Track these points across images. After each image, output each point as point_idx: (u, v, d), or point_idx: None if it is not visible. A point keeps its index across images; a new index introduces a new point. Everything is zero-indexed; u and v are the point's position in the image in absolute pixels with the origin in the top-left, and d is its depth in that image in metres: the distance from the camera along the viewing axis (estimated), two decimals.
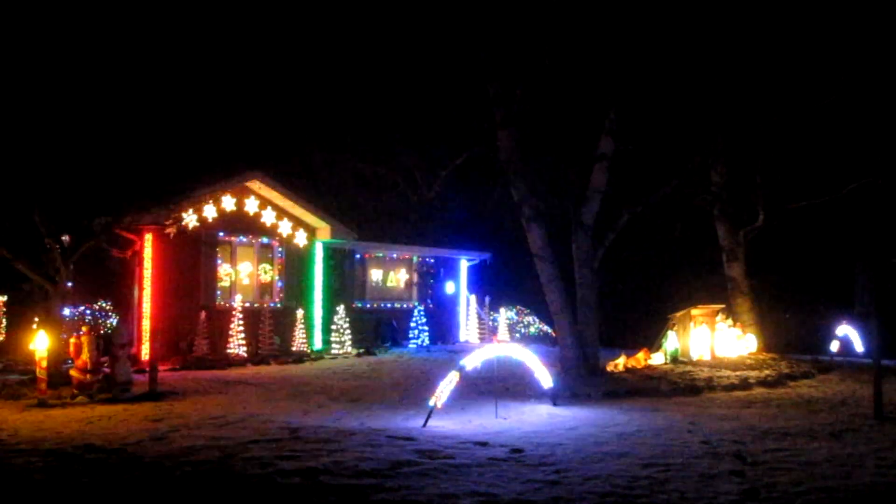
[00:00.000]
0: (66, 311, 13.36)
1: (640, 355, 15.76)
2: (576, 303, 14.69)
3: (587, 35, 14.41)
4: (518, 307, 24.30)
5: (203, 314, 16.24)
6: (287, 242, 18.65)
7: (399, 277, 22.26)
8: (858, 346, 18.78)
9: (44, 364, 10.84)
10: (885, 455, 7.68)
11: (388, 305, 21.61)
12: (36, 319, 15.68)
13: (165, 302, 16.12)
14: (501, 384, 11.66)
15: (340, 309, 18.37)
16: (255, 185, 17.75)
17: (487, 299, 23.26)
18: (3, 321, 18.18)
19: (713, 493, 6.12)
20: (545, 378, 11.01)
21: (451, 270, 23.19)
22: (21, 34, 12.41)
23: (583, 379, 13.46)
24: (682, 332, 16.55)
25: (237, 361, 15.99)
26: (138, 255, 16.07)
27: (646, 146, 15.94)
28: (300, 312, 17.99)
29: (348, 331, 18.28)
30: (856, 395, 12.80)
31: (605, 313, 15.02)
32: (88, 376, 11.28)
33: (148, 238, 15.93)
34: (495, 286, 24.36)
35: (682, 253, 24.82)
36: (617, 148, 14.78)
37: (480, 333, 22.86)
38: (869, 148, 18.39)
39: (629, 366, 15.18)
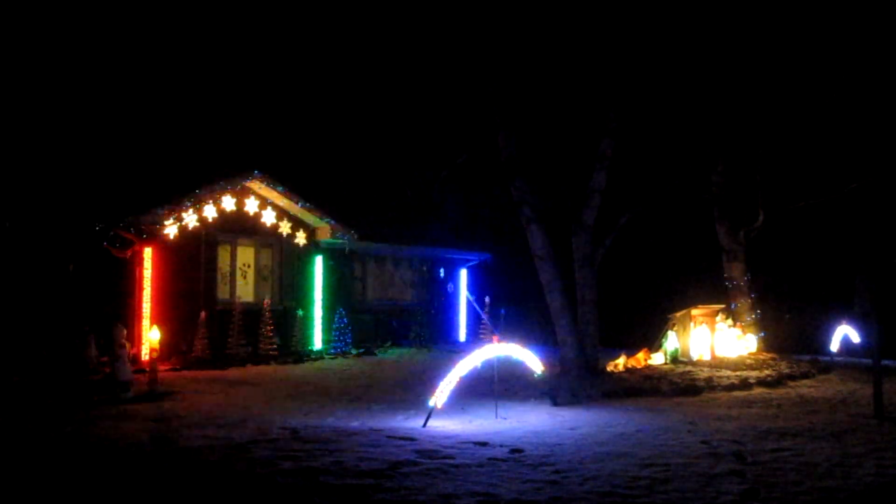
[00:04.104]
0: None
1: (640, 355, 15.75)
2: (576, 303, 14.69)
3: (588, 35, 14.41)
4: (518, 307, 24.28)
5: (203, 314, 16.23)
6: (287, 242, 18.64)
7: (399, 277, 22.25)
8: (856, 339, 18.73)
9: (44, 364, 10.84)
10: (885, 455, 7.67)
11: (388, 305, 21.60)
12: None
13: (165, 302, 16.11)
14: (501, 384, 11.66)
15: (340, 309, 18.37)
16: (255, 185, 17.74)
17: (487, 299, 23.25)
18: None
19: (713, 493, 6.11)
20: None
21: (451, 270, 23.19)
22: (25, 37, 12.42)
23: (583, 379, 13.45)
24: (682, 332, 16.54)
25: (237, 361, 15.98)
26: (138, 255, 16.06)
27: (646, 146, 15.96)
28: (300, 312, 17.98)
29: (348, 331, 18.28)
30: (856, 395, 12.80)
31: (605, 313, 14.99)
32: (89, 376, 11.27)
33: (148, 238, 15.91)
34: (495, 286, 24.36)
35: (682, 253, 24.83)
36: (617, 148, 14.78)
37: (481, 333, 22.84)
38: (869, 148, 18.40)
39: (629, 366, 15.18)
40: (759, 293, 20.78)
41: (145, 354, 15.00)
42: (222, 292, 17.55)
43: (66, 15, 12.80)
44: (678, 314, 16.63)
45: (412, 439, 8.17)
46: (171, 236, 16.11)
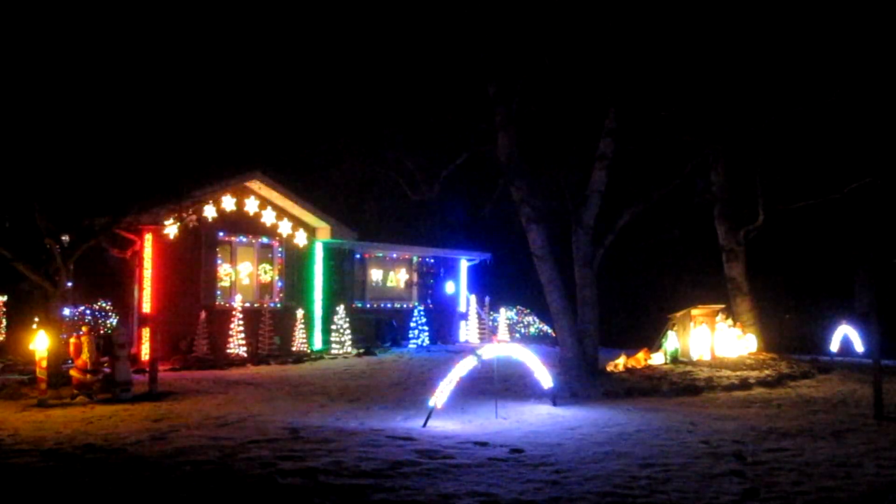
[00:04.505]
0: (66, 311, 13.36)
1: (640, 355, 15.75)
2: (576, 303, 14.69)
3: (587, 35, 14.41)
4: (518, 307, 24.30)
5: (203, 314, 16.24)
6: (287, 242, 18.64)
7: (399, 277, 22.25)
8: (858, 346, 18.79)
9: (44, 364, 10.84)
10: (885, 455, 7.68)
11: (388, 305, 21.61)
12: (36, 319, 15.68)
13: (165, 302, 16.12)
14: (501, 384, 11.66)
15: (340, 309, 18.37)
16: (255, 185, 17.75)
17: (487, 299, 23.25)
18: (3, 321, 18.17)
19: (713, 493, 6.12)
20: (545, 378, 11.01)
21: (451, 270, 23.19)
22: (22, 33, 12.40)
23: (583, 379, 13.45)
24: (682, 332, 16.53)
25: (237, 361, 15.99)
26: (138, 255, 16.07)
27: (646, 146, 15.95)
28: (300, 312, 17.99)
29: (348, 331, 18.28)
30: (856, 395, 12.80)
31: (605, 313, 14.99)
32: (88, 376, 11.28)
33: (148, 238, 15.93)
34: (495, 286, 24.38)
35: (682, 253, 24.83)
36: (617, 148, 14.78)
37: (480, 333, 22.85)
38: (869, 148, 18.39)
39: (629, 366, 15.17)
40: (758, 293, 20.78)
41: (145, 354, 15.01)
42: (222, 292, 17.56)
43: (66, 13, 12.79)
44: (678, 314, 16.63)
45: (412, 439, 8.17)
46: (171, 236, 16.11)
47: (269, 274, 18.55)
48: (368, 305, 21.08)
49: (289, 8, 18.32)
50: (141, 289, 15.93)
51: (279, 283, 18.60)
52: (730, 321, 18.67)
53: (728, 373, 14.64)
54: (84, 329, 11.82)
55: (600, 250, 14.99)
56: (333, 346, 18.09)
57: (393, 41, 16.67)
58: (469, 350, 13.96)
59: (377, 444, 7.88)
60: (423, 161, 21.13)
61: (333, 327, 18.23)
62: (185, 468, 6.73)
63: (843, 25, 15.95)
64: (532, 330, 24.15)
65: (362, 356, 17.84)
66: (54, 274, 12.63)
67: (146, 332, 15.50)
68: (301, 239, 18.81)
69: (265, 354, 16.79)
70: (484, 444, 7.95)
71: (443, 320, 22.51)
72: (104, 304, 16.50)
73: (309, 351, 17.86)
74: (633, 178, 16.31)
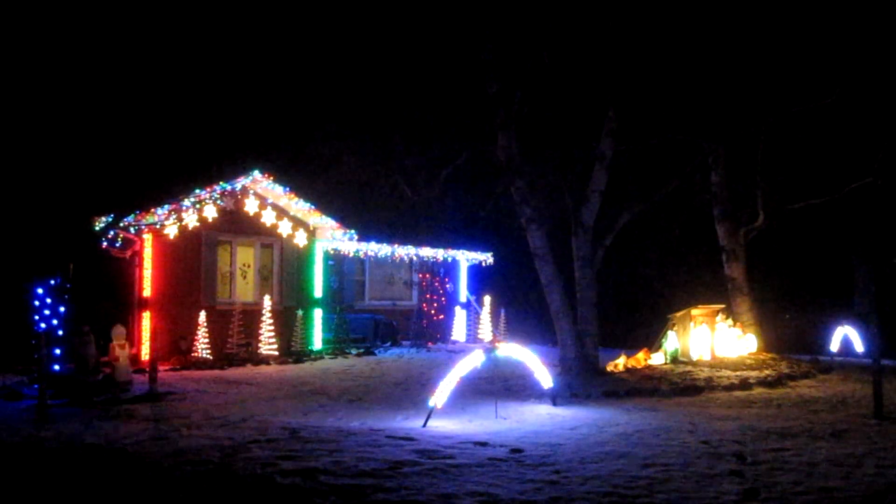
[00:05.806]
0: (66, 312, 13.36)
1: (640, 355, 15.75)
2: (576, 303, 14.69)
3: (587, 34, 14.42)
4: (518, 307, 24.28)
5: (203, 314, 16.23)
6: (287, 242, 18.64)
7: (399, 277, 22.25)
8: (858, 346, 18.79)
9: (43, 364, 10.82)
10: (885, 455, 7.67)
11: (388, 305, 21.60)
12: (35, 318, 15.65)
13: (165, 302, 16.12)
14: (501, 384, 11.66)
15: (340, 309, 18.37)
16: (255, 185, 17.75)
17: (487, 299, 23.25)
18: None
19: (713, 493, 6.11)
20: (545, 378, 11.01)
21: (451, 270, 23.18)
22: (22, 35, 12.42)
23: (583, 379, 13.45)
24: (682, 332, 16.52)
25: (237, 361, 15.99)
26: (138, 255, 16.07)
27: (646, 146, 15.97)
28: (300, 312, 17.99)
29: (348, 331, 18.27)
30: (856, 395, 12.80)
31: (605, 313, 15.00)
32: (88, 376, 11.27)
33: (148, 238, 15.93)
34: (495, 286, 24.37)
35: (682, 253, 24.84)
36: (617, 148, 14.78)
37: (480, 333, 22.85)
38: (869, 148, 18.40)
39: (629, 366, 15.17)
40: (758, 293, 20.77)
41: (145, 354, 15.01)
42: (222, 292, 17.56)
43: (67, 15, 12.82)
44: (678, 314, 16.62)
45: (412, 439, 8.17)
46: (171, 236, 16.11)
47: (268, 274, 18.54)
48: (368, 305, 21.08)
49: (290, 8, 18.34)
50: (141, 288, 15.93)
51: (279, 284, 18.59)
52: (730, 321, 18.66)
53: (728, 373, 14.64)
54: (84, 329, 11.81)
55: (600, 250, 15.00)
56: (333, 346, 18.09)
57: (394, 41, 16.69)
58: (468, 350, 13.96)
59: (377, 444, 7.88)
60: (423, 161, 21.11)
61: (333, 327, 18.23)
62: (185, 468, 6.73)
63: (843, 25, 15.96)
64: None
65: (362, 356, 17.84)
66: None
67: (146, 332, 15.51)
68: (301, 239, 18.80)
69: (265, 354, 16.79)
70: (484, 444, 7.95)
71: (442, 320, 22.51)
72: (104, 304, 16.50)
73: (309, 351, 17.86)
74: (633, 178, 16.33)
